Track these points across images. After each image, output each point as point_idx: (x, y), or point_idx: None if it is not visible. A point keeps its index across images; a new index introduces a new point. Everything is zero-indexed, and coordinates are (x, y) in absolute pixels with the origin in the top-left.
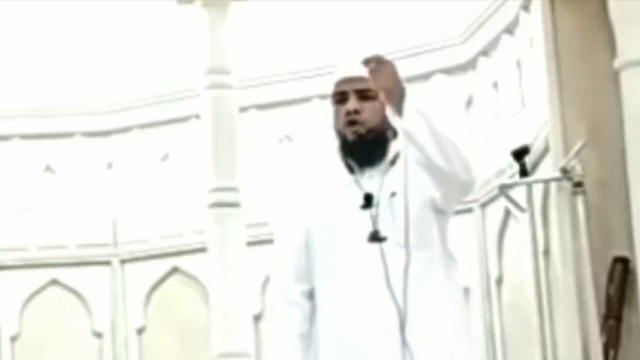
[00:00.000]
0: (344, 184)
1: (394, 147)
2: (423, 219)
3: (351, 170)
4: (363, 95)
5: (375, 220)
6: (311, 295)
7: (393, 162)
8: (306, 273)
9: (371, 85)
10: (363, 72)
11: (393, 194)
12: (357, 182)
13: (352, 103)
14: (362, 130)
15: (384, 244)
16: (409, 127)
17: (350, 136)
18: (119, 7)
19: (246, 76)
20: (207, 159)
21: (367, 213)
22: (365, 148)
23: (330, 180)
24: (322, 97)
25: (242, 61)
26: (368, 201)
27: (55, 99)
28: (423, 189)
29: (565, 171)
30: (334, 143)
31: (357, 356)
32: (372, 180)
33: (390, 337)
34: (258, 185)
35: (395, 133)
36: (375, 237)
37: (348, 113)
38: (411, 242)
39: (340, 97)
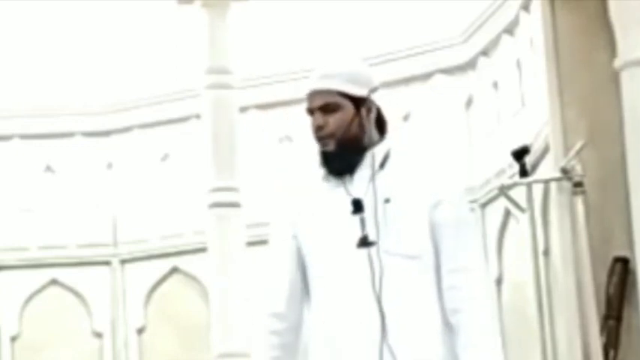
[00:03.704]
0: (331, 187)
1: (381, 149)
2: (417, 228)
3: (339, 176)
4: (329, 109)
5: (363, 225)
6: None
7: (382, 165)
8: (301, 284)
9: (330, 99)
10: (326, 83)
11: (387, 200)
12: (345, 186)
13: (316, 119)
14: (330, 146)
15: (372, 250)
16: None
17: (321, 148)
18: (119, 7)
19: (246, 76)
20: (207, 159)
21: (356, 218)
22: (335, 160)
23: (319, 183)
24: None
25: (242, 61)
26: (357, 207)
27: (55, 99)
28: (423, 202)
29: (565, 171)
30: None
31: (342, 358)
32: (360, 183)
33: (373, 342)
34: (258, 185)
35: (382, 134)
36: (364, 242)
37: (315, 129)
38: (400, 249)
39: (309, 113)
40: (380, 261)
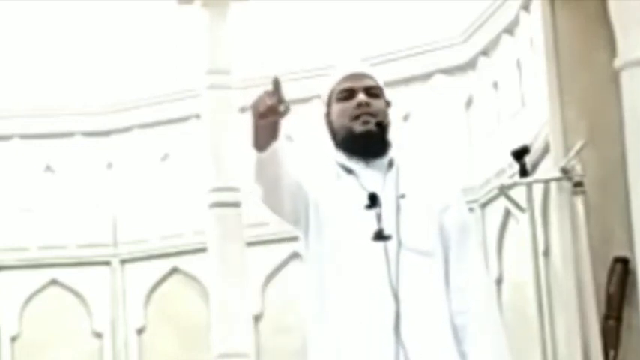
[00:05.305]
0: (345, 183)
1: (390, 153)
2: (429, 226)
3: (349, 171)
4: (371, 92)
5: (379, 219)
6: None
7: (390, 165)
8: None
9: (376, 84)
10: (368, 69)
11: (403, 196)
12: (359, 181)
13: (363, 97)
14: (371, 124)
15: (388, 243)
16: None
17: (359, 128)
18: (119, 7)
19: (246, 76)
20: (207, 159)
21: (371, 212)
22: (372, 139)
23: (330, 178)
24: (321, 97)
25: (242, 61)
26: (373, 201)
27: (55, 99)
28: (432, 205)
29: (565, 171)
30: (330, 144)
31: (350, 350)
32: (373, 179)
33: (387, 336)
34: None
35: None
36: (380, 236)
37: (359, 105)
38: (415, 245)
39: (347, 94)
40: (397, 255)
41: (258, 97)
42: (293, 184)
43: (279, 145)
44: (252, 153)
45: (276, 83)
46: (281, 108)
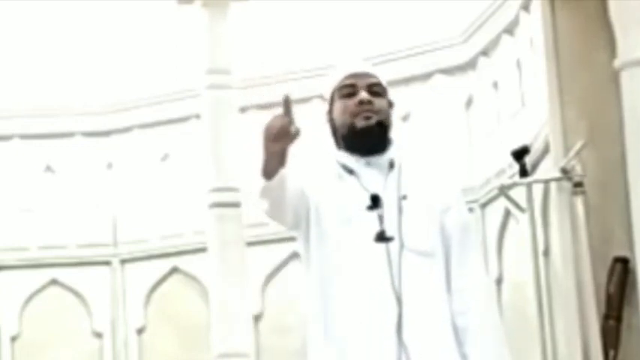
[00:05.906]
0: (346, 183)
1: (391, 153)
2: (430, 227)
3: (350, 172)
4: (373, 91)
5: (381, 220)
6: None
7: (391, 166)
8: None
9: (379, 83)
10: (371, 68)
11: (404, 197)
12: (360, 182)
13: (365, 95)
14: (374, 118)
15: (390, 245)
16: None
17: (360, 122)
18: (119, 7)
19: (246, 76)
20: (207, 159)
21: (373, 213)
22: (372, 134)
23: (331, 179)
24: (322, 96)
25: (242, 61)
26: (375, 202)
27: (55, 99)
28: (434, 206)
29: (565, 171)
30: (330, 143)
31: (351, 352)
32: (374, 180)
33: (388, 337)
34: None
35: None
36: (382, 237)
37: (361, 103)
38: (417, 246)
39: (350, 91)
40: (399, 257)
41: (270, 120)
42: (295, 195)
43: (286, 171)
44: (259, 180)
45: (287, 102)
46: (292, 129)
